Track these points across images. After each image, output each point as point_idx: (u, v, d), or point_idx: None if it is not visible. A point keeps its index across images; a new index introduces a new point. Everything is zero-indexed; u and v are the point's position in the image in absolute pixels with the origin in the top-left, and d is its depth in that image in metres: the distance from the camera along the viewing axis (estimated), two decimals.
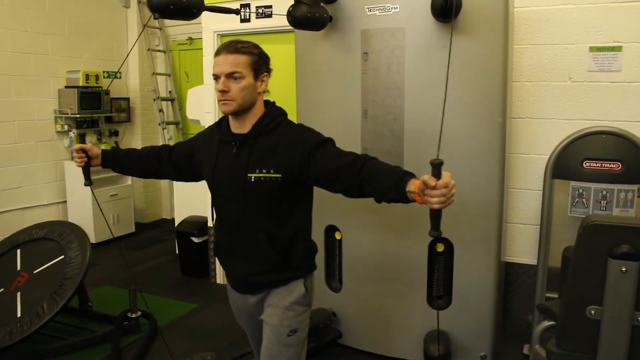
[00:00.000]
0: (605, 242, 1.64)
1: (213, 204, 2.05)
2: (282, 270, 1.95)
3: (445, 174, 1.42)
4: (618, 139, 2.82)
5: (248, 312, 2.08)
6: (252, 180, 1.85)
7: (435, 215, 1.48)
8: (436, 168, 1.41)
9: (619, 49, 3.06)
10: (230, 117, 1.93)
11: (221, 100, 1.83)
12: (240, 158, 1.88)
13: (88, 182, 2.17)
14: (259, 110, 1.91)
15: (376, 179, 1.69)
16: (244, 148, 1.89)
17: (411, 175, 1.62)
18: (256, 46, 1.89)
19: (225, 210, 1.97)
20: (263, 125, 1.89)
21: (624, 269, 1.62)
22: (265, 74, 1.90)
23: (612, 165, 2.82)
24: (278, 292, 1.96)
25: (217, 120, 2.05)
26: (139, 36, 6.07)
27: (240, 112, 1.86)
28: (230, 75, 1.80)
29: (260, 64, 1.87)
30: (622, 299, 1.65)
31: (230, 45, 1.83)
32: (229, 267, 2.06)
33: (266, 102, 1.97)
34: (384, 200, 1.71)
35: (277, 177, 1.84)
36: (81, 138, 2.22)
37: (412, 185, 1.55)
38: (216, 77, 1.83)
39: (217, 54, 1.85)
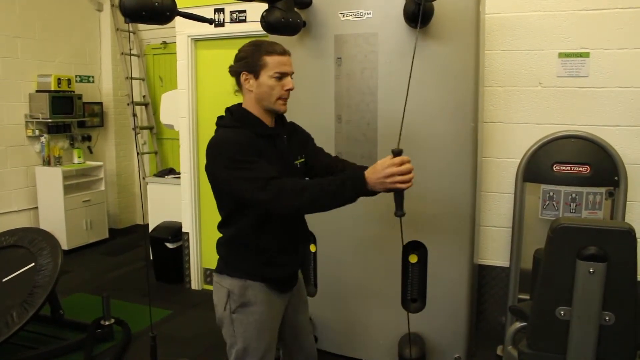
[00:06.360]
0: (574, 244, 1.68)
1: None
2: None
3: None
4: (587, 143, 2.88)
5: (281, 307, 2.09)
6: (299, 166, 2.04)
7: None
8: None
9: (587, 55, 3.13)
10: (265, 114, 1.95)
11: (285, 98, 1.92)
12: (289, 149, 2.02)
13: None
14: None
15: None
16: (288, 140, 2.03)
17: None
18: None
19: None
20: (284, 120, 2.06)
21: (591, 270, 1.65)
22: None
23: (581, 169, 2.88)
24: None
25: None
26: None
27: None
28: (291, 77, 1.93)
29: None
30: (590, 299, 1.68)
31: (284, 48, 1.92)
32: (286, 265, 2.03)
33: None
34: None
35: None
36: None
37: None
38: (282, 75, 1.88)
39: (281, 53, 1.89)
